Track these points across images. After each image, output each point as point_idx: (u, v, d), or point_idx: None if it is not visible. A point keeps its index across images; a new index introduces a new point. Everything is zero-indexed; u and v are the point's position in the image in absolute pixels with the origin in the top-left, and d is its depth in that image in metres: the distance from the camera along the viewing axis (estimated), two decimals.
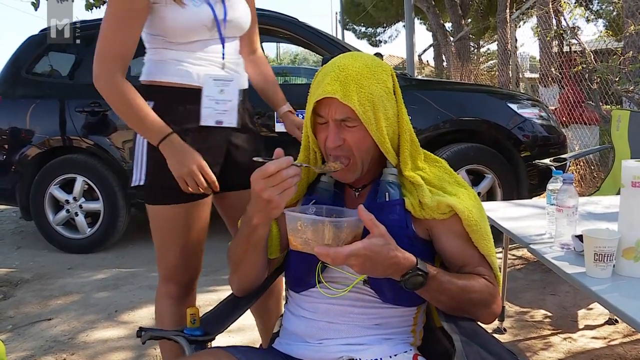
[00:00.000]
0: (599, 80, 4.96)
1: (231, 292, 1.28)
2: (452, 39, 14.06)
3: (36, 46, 3.99)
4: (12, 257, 3.85)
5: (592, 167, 4.99)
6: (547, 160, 3.05)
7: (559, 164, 3.00)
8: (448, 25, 15.68)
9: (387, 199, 1.14)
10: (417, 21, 18.71)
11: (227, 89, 1.51)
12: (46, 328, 2.63)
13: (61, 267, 3.54)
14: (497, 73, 9.92)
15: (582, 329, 2.42)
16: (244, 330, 2.37)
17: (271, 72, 1.78)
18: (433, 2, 14.60)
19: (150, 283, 3.17)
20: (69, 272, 3.45)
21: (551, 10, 6.51)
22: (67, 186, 3.80)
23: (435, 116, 3.60)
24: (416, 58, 14.11)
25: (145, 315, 2.74)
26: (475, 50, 15.43)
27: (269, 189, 0.98)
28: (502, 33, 8.96)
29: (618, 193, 1.67)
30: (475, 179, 3.62)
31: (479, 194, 3.40)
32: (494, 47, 15.17)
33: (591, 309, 2.61)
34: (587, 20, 13.07)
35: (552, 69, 6.90)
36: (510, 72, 8.04)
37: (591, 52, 5.49)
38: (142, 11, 1.41)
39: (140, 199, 3.67)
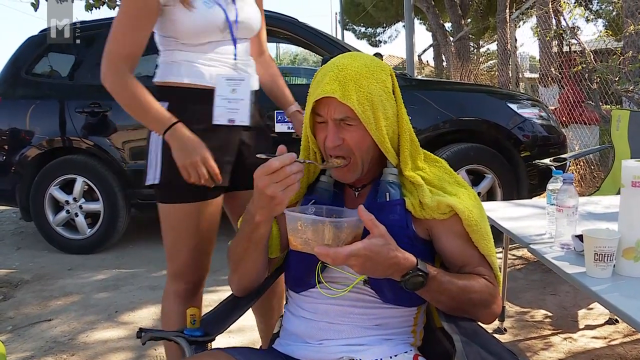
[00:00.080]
0: (598, 80, 4.96)
1: (231, 292, 1.28)
2: (451, 39, 14.06)
3: (36, 47, 3.99)
4: (12, 257, 3.85)
5: (592, 167, 4.99)
6: (547, 160, 3.06)
7: (559, 163, 3.01)
8: (448, 25, 15.68)
9: (388, 199, 1.14)
10: (416, 21, 18.72)
11: (239, 88, 1.53)
12: (46, 329, 2.63)
13: (61, 267, 3.54)
14: (496, 73, 9.93)
15: (583, 329, 2.42)
16: (244, 331, 2.37)
17: (279, 72, 1.80)
18: (433, 2, 14.60)
19: (150, 283, 3.17)
20: (69, 272, 3.45)
21: (551, 10, 6.51)
22: (67, 187, 3.80)
23: (435, 116, 3.60)
24: (416, 58, 14.12)
25: (145, 316, 2.74)
26: (475, 50, 15.44)
27: (272, 185, 0.98)
28: (501, 33, 8.96)
29: (618, 193, 1.67)
30: (475, 179, 3.62)
31: (479, 194, 3.40)
32: (493, 47, 15.21)
33: (591, 309, 2.61)
34: (587, 20, 13.07)
35: (552, 69, 6.91)
36: (510, 72, 8.05)
37: (591, 52, 5.50)
38: (153, 12, 1.43)
39: (141, 199, 3.68)
